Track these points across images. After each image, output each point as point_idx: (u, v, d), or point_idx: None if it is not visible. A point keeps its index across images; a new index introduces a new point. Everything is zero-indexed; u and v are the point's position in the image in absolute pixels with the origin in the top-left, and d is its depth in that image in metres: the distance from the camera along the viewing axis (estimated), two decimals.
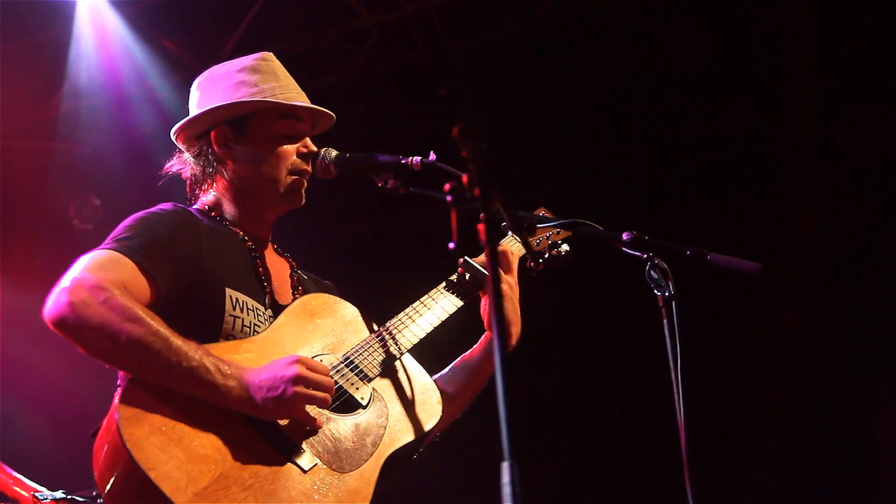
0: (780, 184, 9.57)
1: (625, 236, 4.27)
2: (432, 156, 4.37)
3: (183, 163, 4.80)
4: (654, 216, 9.48)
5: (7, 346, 10.44)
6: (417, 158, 4.42)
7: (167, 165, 4.83)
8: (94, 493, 5.79)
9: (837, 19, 9.20)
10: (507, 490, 2.80)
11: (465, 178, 3.19)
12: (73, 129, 11.05)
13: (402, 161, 4.45)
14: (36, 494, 5.78)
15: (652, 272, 4.15)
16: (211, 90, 4.72)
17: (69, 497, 5.76)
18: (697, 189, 9.93)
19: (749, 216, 9.54)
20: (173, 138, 4.82)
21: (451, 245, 3.22)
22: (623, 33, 9.86)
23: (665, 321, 4.06)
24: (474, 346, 4.90)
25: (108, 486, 3.87)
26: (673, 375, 4.00)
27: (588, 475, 10.09)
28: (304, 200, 4.72)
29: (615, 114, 10.03)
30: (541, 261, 5.09)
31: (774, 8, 9.34)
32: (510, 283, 4.78)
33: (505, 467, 2.82)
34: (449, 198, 3.27)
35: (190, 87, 4.90)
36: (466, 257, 4.72)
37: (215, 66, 4.84)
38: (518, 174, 9.45)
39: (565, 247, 5.17)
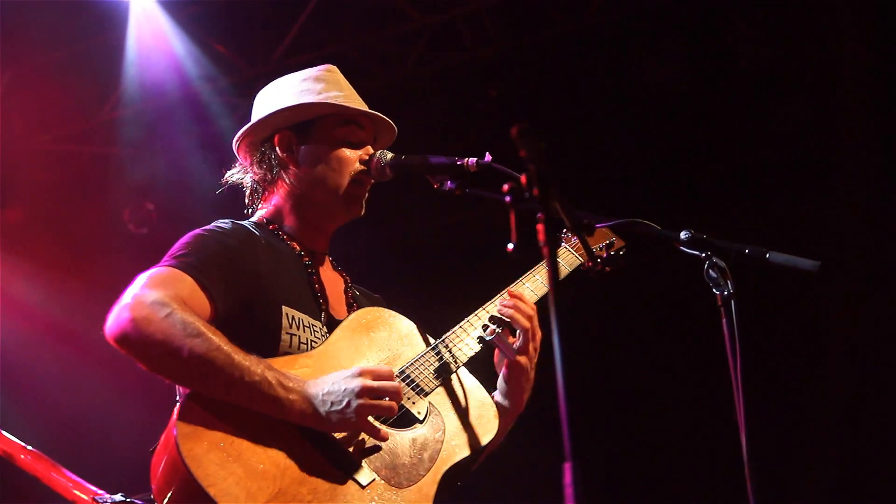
0: (837, 182, 9.48)
1: (682, 235, 4.25)
2: (488, 157, 4.35)
3: (243, 172, 4.83)
4: (710, 216, 9.41)
5: (66, 351, 10.54)
6: (473, 160, 4.40)
7: (227, 175, 4.88)
8: (152, 497, 5.81)
9: (893, 17, 9.11)
10: (568, 490, 2.79)
11: (523, 178, 3.18)
12: (127, 134, 11.12)
13: (458, 162, 4.43)
14: (96, 498, 5.79)
15: (710, 271, 4.13)
16: (275, 98, 4.75)
17: (128, 500, 5.78)
18: (753, 188, 9.86)
19: (805, 215, 9.46)
20: (235, 147, 4.85)
21: (510, 246, 3.21)
22: (675, 32, 9.81)
23: (724, 320, 4.03)
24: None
25: (167, 502, 3.88)
26: (732, 374, 3.97)
27: (648, 474, 10.05)
28: (363, 210, 4.73)
29: (669, 113, 9.97)
30: (598, 261, 5.09)
31: (829, 5, 9.25)
32: (529, 353, 4.69)
33: (567, 468, 2.81)
34: (507, 198, 3.26)
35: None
36: (496, 329, 4.64)
37: (279, 78, 4.87)
38: (571, 175, 9.42)
39: (620, 254, 5.24)
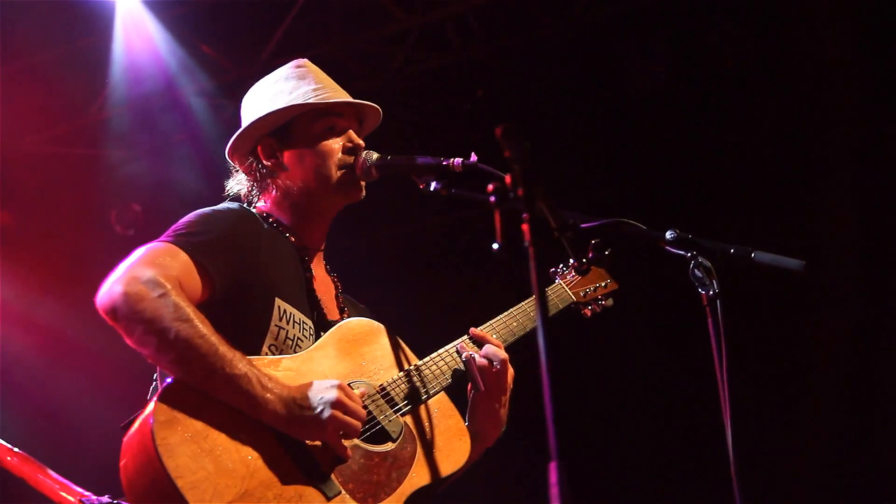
0: (824, 181, 9.49)
1: (668, 235, 4.25)
2: (473, 157, 4.35)
3: (239, 182, 4.84)
4: (696, 215, 9.41)
5: (52, 353, 10.52)
6: (459, 160, 4.41)
7: (227, 189, 4.88)
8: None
9: (879, 14, 9.12)
10: (554, 490, 2.79)
11: (508, 178, 3.18)
12: (113, 136, 11.11)
13: (444, 162, 4.44)
14: (82, 500, 5.78)
15: (696, 271, 4.14)
16: (253, 107, 4.77)
17: (115, 502, 5.76)
18: (740, 187, 9.87)
19: (792, 214, 9.47)
20: (230, 161, 4.87)
21: (496, 246, 3.20)
22: (661, 32, 9.81)
23: (710, 320, 4.04)
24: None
25: (132, 486, 3.89)
26: (718, 374, 3.98)
27: (634, 475, 10.05)
28: (363, 193, 4.73)
29: (654, 113, 9.98)
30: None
31: (815, 4, 9.26)
32: (498, 397, 4.76)
33: (552, 467, 2.81)
34: (492, 198, 3.26)
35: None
36: (471, 354, 4.67)
37: (257, 83, 4.88)
38: (556, 175, 9.42)
39: (610, 301, 5.46)
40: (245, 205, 4.78)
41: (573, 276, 5.39)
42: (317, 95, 4.70)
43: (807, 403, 9.44)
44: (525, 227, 3.08)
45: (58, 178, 11.21)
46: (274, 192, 4.71)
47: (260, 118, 4.67)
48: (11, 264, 10.80)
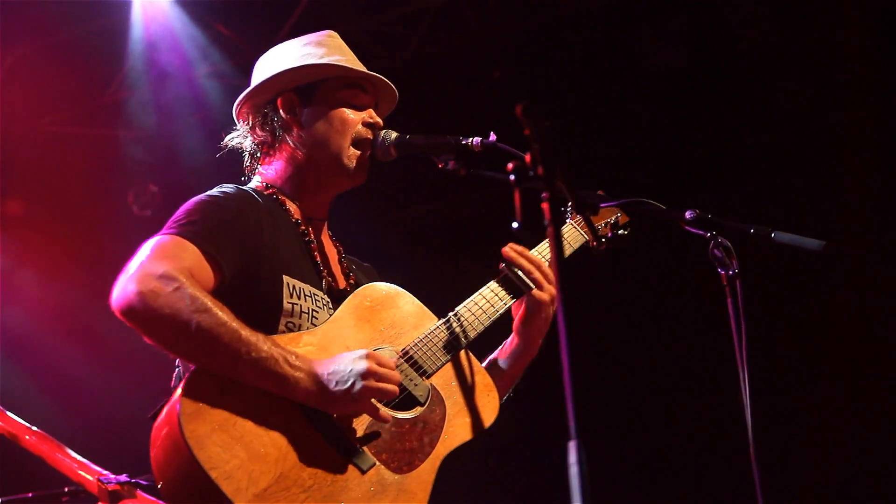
0: (844, 161, 9.45)
1: (688, 214, 4.23)
2: (492, 136, 4.35)
3: (243, 135, 4.79)
4: (714, 196, 9.39)
5: (71, 334, 10.54)
6: (478, 139, 4.42)
7: (226, 139, 4.83)
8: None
9: None
10: (573, 469, 2.79)
11: (528, 156, 3.18)
12: (130, 116, 11.11)
13: (463, 142, 4.45)
14: (100, 479, 5.81)
15: (715, 251, 4.11)
16: (277, 61, 4.74)
17: (132, 481, 5.79)
18: (758, 169, 9.84)
19: (812, 194, 9.44)
20: (235, 112, 4.83)
21: (515, 225, 3.19)
22: (680, 11, 9.77)
23: (729, 300, 4.02)
24: (500, 349, 4.83)
25: (166, 479, 3.88)
26: (738, 354, 3.96)
27: (653, 454, 10.05)
28: (365, 178, 4.71)
29: (673, 93, 9.94)
30: (603, 240, 5.09)
31: None
32: (551, 294, 4.69)
33: (571, 446, 2.80)
34: (512, 177, 3.25)
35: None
36: (508, 264, 4.67)
37: (280, 44, 4.86)
38: (575, 154, 9.40)
39: (625, 231, 5.22)
40: (242, 179, 4.77)
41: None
42: (350, 66, 4.71)
43: (827, 382, 9.41)
44: (545, 205, 3.07)
45: (75, 159, 11.21)
46: (280, 154, 4.70)
47: (289, 69, 4.66)
48: (28, 246, 10.83)
